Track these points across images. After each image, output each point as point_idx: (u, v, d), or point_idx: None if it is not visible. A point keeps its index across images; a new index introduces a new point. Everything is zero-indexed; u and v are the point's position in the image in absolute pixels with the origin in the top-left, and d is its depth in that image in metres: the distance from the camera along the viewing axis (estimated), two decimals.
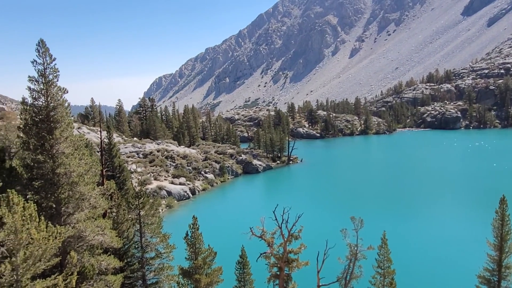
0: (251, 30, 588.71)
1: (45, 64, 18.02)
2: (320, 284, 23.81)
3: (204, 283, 23.22)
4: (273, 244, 23.73)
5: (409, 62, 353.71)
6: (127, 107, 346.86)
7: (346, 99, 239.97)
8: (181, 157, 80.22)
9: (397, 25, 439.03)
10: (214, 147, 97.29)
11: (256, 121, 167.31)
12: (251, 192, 75.81)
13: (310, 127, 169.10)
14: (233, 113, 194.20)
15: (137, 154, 78.33)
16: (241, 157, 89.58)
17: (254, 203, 64.89)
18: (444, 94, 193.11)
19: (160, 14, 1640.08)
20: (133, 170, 66.74)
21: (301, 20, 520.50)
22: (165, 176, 70.78)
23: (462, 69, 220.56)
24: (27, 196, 18.68)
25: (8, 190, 14.48)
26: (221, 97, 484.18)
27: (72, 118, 22.55)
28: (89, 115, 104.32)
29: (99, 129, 67.83)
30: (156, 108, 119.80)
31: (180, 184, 68.80)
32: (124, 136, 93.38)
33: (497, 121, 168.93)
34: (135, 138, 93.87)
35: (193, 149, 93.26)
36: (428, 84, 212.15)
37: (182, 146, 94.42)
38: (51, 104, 18.59)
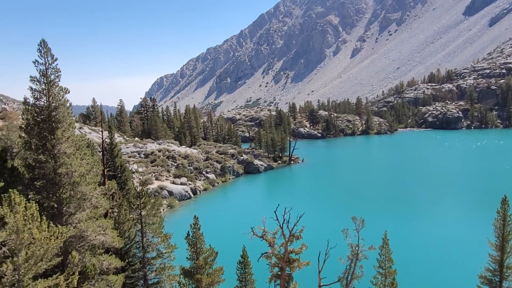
0: (252, 30, 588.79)
1: (47, 64, 18.06)
2: (321, 284, 23.81)
3: (206, 283, 23.23)
4: (274, 244, 23.73)
5: (410, 62, 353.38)
6: (129, 107, 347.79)
7: (348, 99, 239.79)
8: (182, 157, 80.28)
9: (399, 25, 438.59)
10: (215, 147, 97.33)
11: (258, 121, 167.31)
12: (253, 192, 75.82)
13: (312, 127, 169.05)
14: (235, 113, 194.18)
15: (139, 154, 78.44)
16: (242, 157, 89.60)
17: (255, 203, 64.90)
18: (445, 94, 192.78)
19: (161, 14, 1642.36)
20: (134, 170, 66.81)
21: (302, 20, 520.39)
22: (166, 176, 70.85)
23: (463, 69, 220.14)
24: (29, 196, 18.73)
25: (10, 190, 14.52)
26: (222, 97, 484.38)
27: (74, 118, 22.60)
28: (91, 115, 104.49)
29: (100, 129, 67.96)
30: (157, 108, 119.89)
31: (182, 184, 68.86)
32: (125, 136, 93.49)
33: (498, 121, 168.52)
34: (136, 138, 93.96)
35: (194, 149, 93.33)
36: (429, 84, 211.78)
37: (183, 146, 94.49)
38: (52, 104, 18.63)
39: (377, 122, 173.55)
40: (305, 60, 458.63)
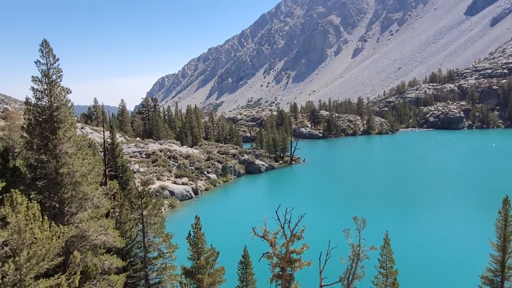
0: (253, 30, 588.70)
1: (49, 64, 18.10)
2: (323, 284, 23.79)
3: (207, 283, 23.25)
4: (275, 244, 23.74)
5: (411, 62, 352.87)
6: (130, 107, 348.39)
7: (349, 99, 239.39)
8: (183, 157, 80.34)
9: (400, 25, 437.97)
10: (216, 147, 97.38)
11: (259, 121, 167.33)
12: (254, 192, 75.81)
13: (313, 127, 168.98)
14: (236, 113, 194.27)
15: (140, 154, 78.52)
16: (243, 157, 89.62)
17: (257, 203, 64.90)
18: (447, 94, 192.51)
19: (162, 14, 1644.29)
20: (136, 170, 66.88)
21: (303, 20, 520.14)
22: (167, 176, 70.90)
23: (465, 69, 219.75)
24: (31, 196, 18.78)
25: (11, 189, 14.55)
26: (223, 97, 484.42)
27: (75, 118, 22.66)
28: (92, 115, 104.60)
29: (102, 129, 68.04)
30: (158, 108, 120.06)
31: (183, 184, 68.91)
32: (127, 136, 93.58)
33: (500, 121, 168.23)
34: (138, 138, 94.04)
35: (195, 149, 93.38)
36: (431, 84, 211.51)
37: (184, 146, 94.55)
38: (54, 104, 18.67)
39: (379, 122, 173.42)
40: (307, 60, 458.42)
